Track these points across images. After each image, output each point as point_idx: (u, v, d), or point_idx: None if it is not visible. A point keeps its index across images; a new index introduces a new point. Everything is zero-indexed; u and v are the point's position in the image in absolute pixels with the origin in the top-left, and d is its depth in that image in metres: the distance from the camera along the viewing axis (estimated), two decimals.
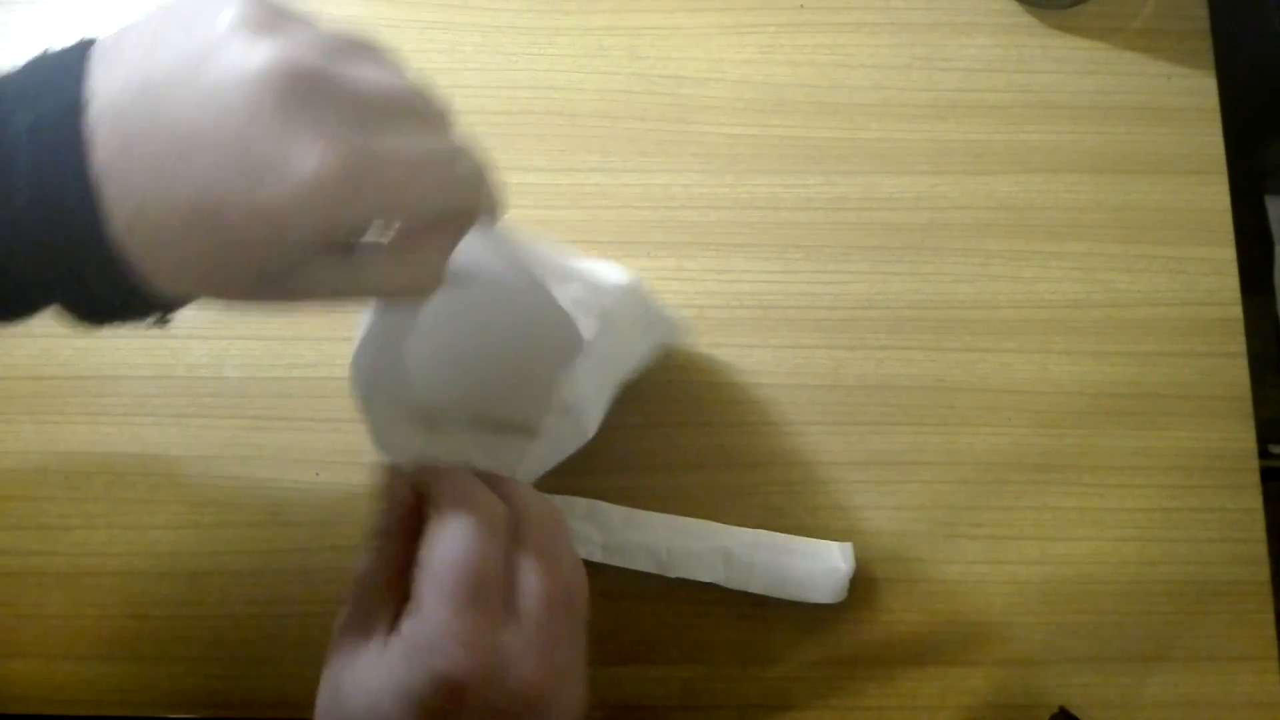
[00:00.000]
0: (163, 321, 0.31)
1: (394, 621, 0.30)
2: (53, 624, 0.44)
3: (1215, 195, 0.49)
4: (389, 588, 0.32)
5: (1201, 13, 0.52)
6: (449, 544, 0.30)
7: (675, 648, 0.45)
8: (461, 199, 0.30)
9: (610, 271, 0.38)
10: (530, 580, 0.31)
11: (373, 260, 0.29)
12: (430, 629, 0.29)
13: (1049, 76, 0.51)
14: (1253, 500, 0.46)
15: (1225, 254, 0.49)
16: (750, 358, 0.48)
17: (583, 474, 0.44)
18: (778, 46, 0.51)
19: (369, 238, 0.29)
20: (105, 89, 0.26)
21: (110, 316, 0.30)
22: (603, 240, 0.48)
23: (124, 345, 0.47)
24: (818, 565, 0.44)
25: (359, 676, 0.30)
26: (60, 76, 0.27)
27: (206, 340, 0.47)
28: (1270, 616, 0.45)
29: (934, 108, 0.51)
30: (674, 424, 0.47)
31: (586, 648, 0.32)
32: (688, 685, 0.44)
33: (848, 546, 0.44)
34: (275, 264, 0.27)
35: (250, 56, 0.25)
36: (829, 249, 0.49)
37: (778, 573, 0.44)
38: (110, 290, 0.28)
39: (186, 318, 0.46)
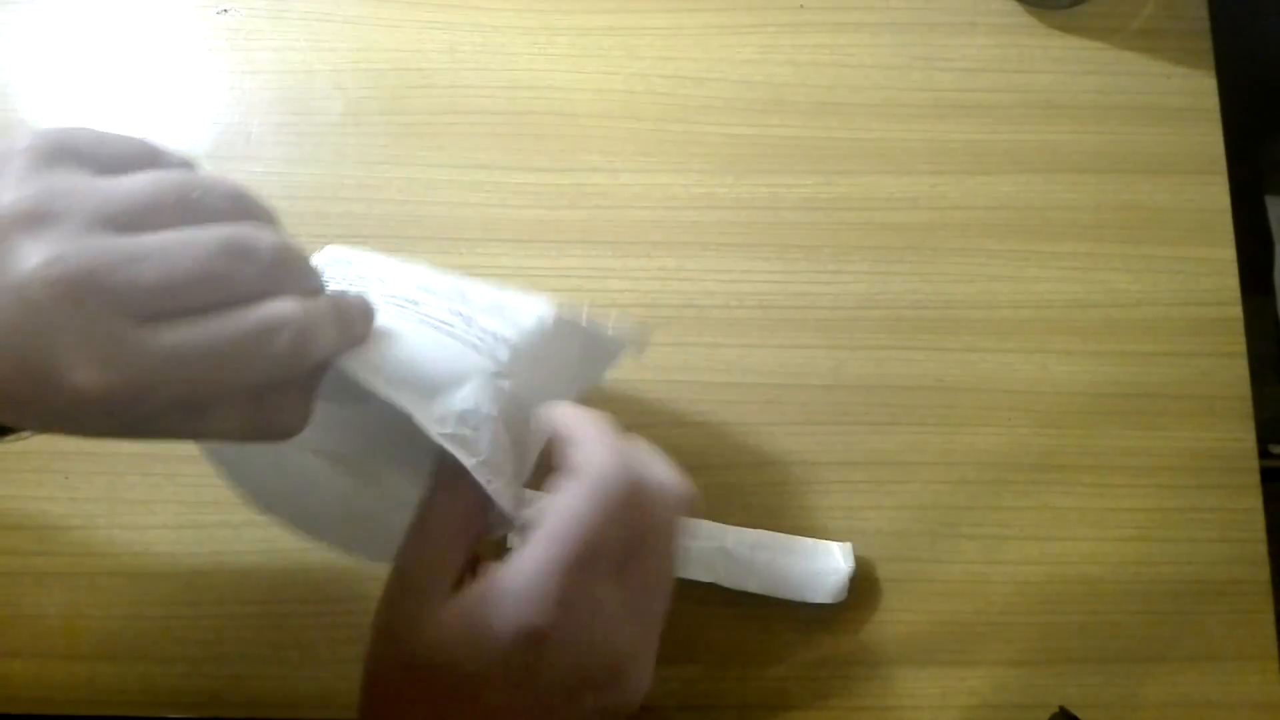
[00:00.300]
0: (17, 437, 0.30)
1: (467, 565, 0.30)
2: (53, 624, 0.44)
3: (1215, 195, 0.49)
4: (464, 530, 0.31)
5: (1201, 13, 0.52)
6: (576, 503, 0.29)
7: (675, 648, 0.45)
8: (288, 366, 0.27)
9: (525, 309, 0.36)
10: (645, 556, 0.30)
11: (225, 414, 0.27)
12: (532, 581, 0.28)
13: (1049, 76, 0.51)
14: (1253, 500, 0.46)
15: (1225, 254, 0.49)
16: (750, 358, 0.47)
17: None
18: (778, 46, 0.51)
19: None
20: None
21: None
22: (603, 240, 0.48)
23: None
24: (818, 565, 0.44)
25: (429, 617, 0.29)
26: None
27: None
28: (1270, 616, 0.45)
29: (934, 108, 0.51)
30: (674, 424, 0.47)
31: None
32: (688, 685, 0.44)
33: (848, 546, 0.44)
34: (104, 433, 0.26)
35: (18, 261, 0.23)
36: (829, 249, 0.49)
37: (778, 572, 0.44)
38: None
39: None
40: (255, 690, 0.44)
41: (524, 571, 0.28)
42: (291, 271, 0.28)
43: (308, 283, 0.29)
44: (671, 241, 0.49)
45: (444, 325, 0.33)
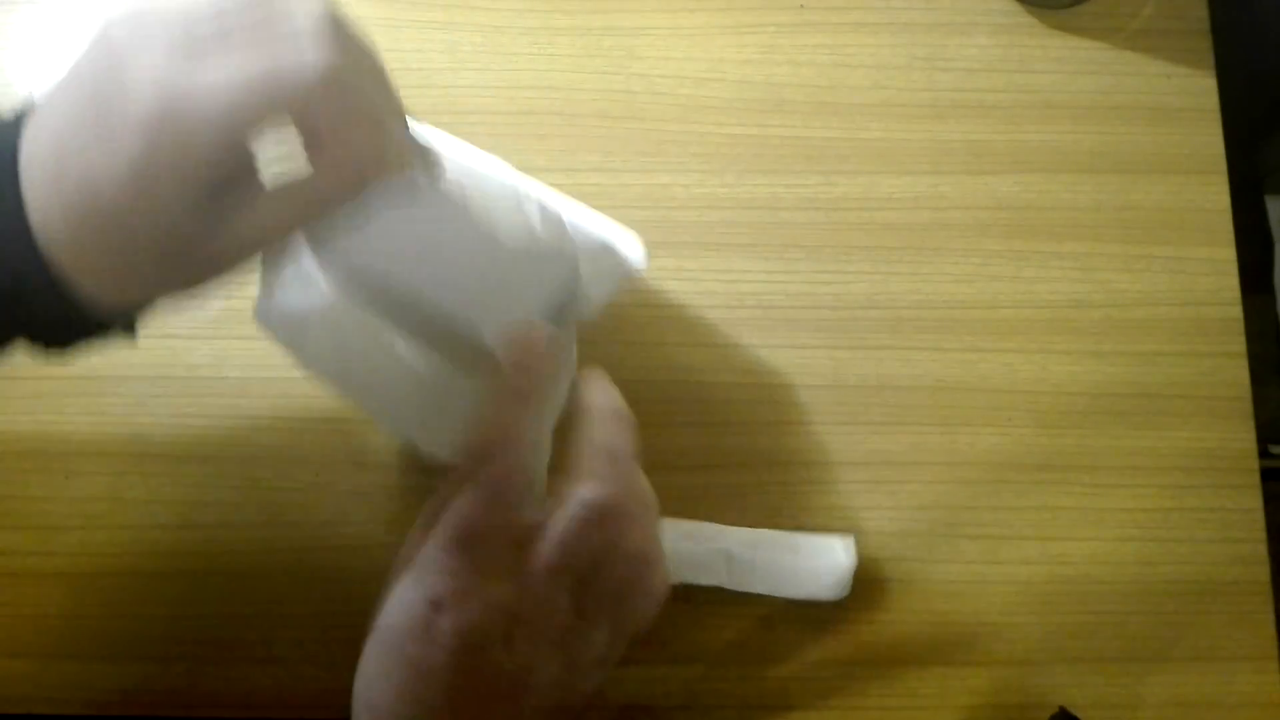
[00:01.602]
0: (127, 333, 0.33)
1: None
2: (53, 624, 0.44)
3: (1215, 195, 0.49)
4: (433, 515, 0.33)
5: (1201, 13, 0.52)
6: (457, 507, 0.31)
7: (675, 648, 0.45)
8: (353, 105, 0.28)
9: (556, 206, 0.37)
10: (614, 564, 0.32)
11: (280, 190, 0.29)
12: (426, 551, 0.31)
13: (1049, 76, 0.51)
14: (1253, 500, 0.46)
15: (1225, 254, 0.49)
16: (750, 358, 0.48)
17: None
18: (778, 46, 0.51)
19: (269, 166, 0.29)
20: (33, 138, 0.29)
21: (68, 337, 0.32)
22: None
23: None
24: (820, 561, 0.44)
25: (393, 592, 0.32)
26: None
27: (207, 340, 0.47)
28: (1270, 616, 0.45)
29: (934, 108, 0.51)
30: (674, 424, 0.47)
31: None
32: (688, 685, 0.44)
33: (849, 540, 0.44)
34: (174, 230, 0.28)
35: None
36: (829, 249, 0.49)
37: (780, 571, 0.44)
38: (54, 309, 0.30)
39: (188, 318, 0.46)
40: (255, 690, 0.44)
41: (422, 540, 0.32)
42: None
43: None
44: (671, 241, 0.49)
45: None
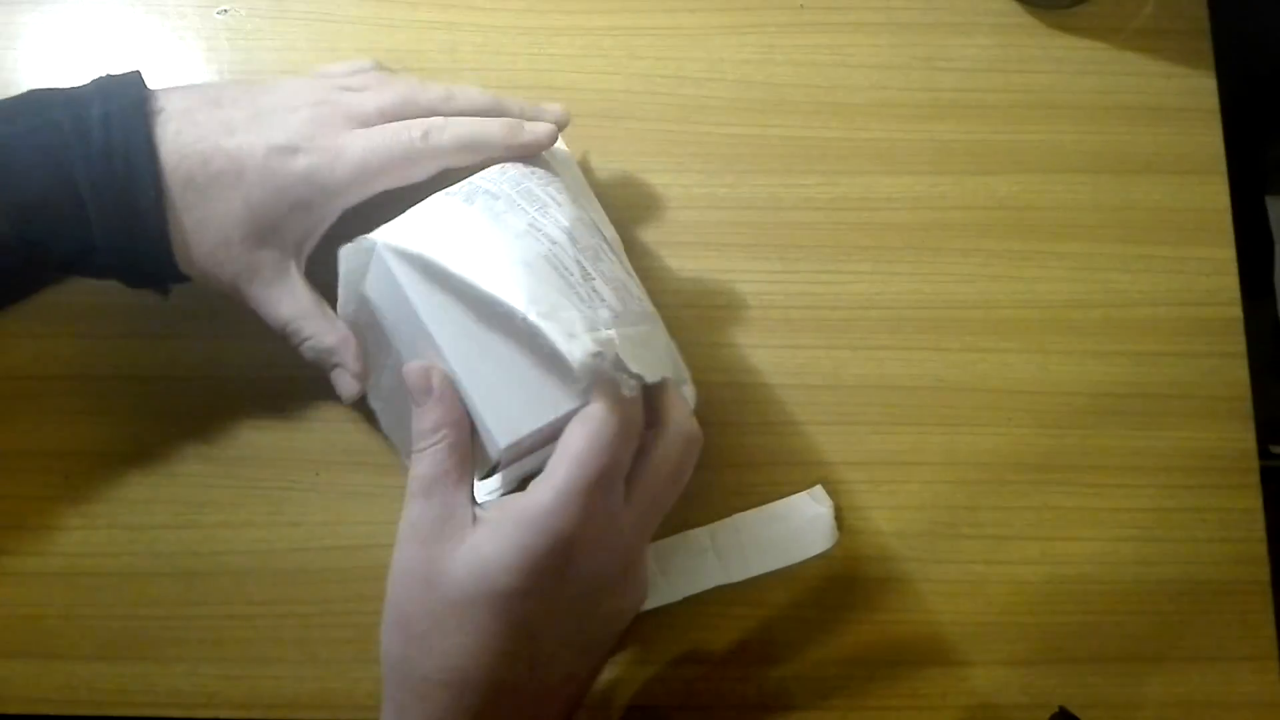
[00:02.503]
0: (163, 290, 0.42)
1: (472, 506, 0.35)
2: (53, 624, 0.44)
3: (1215, 195, 0.49)
4: (459, 475, 0.35)
5: (1201, 13, 0.52)
6: (592, 435, 0.33)
7: (675, 648, 0.45)
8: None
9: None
10: (648, 473, 0.35)
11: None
12: (559, 497, 0.33)
13: (1049, 76, 0.51)
14: (1253, 500, 0.46)
15: (1225, 254, 0.49)
16: (750, 358, 0.48)
17: None
18: (778, 46, 0.51)
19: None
20: (168, 99, 0.40)
21: (142, 281, 0.41)
22: None
23: (124, 345, 0.47)
24: (799, 520, 0.44)
25: (463, 554, 0.33)
26: (125, 86, 0.39)
27: (207, 340, 0.47)
28: (1270, 616, 0.45)
29: (934, 108, 0.51)
30: None
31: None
32: (688, 685, 0.44)
33: (817, 489, 0.45)
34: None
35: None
36: (829, 249, 0.49)
37: (769, 544, 0.44)
38: (150, 260, 0.39)
39: (185, 318, 0.46)
40: (255, 690, 0.44)
41: (553, 489, 0.33)
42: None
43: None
44: (672, 241, 0.49)
45: (567, 272, 0.37)
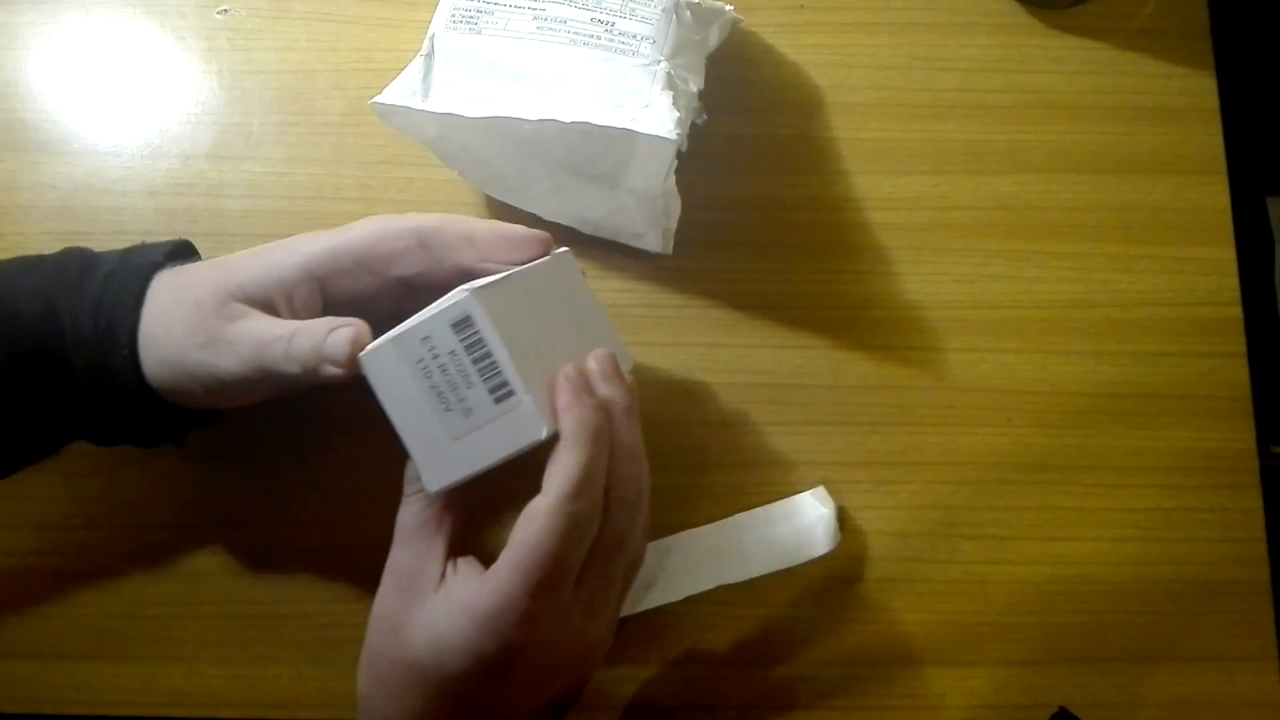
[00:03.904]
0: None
1: (445, 561, 0.35)
2: (53, 624, 0.44)
3: (1215, 195, 0.49)
4: (436, 527, 0.36)
5: (1201, 13, 0.52)
6: (540, 534, 0.33)
7: (675, 648, 0.45)
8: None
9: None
10: (592, 554, 0.35)
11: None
12: (505, 601, 0.33)
13: (1049, 76, 0.51)
14: (1253, 500, 0.46)
15: (1225, 254, 0.49)
16: (750, 358, 0.48)
17: None
18: (778, 46, 0.51)
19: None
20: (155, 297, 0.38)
21: (129, 437, 0.41)
22: (603, 240, 0.48)
23: None
24: (802, 521, 0.44)
25: (423, 619, 0.34)
26: (144, 256, 0.39)
27: None
28: (1270, 616, 0.45)
29: (934, 108, 0.51)
30: (674, 424, 0.47)
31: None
32: (688, 685, 0.44)
33: (820, 490, 0.45)
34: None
35: None
36: (829, 249, 0.49)
37: (772, 545, 0.44)
38: (136, 408, 0.39)
39: None
40: (255, 690, 0.44)
41: (499, 593, 0.33)
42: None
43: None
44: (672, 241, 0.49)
45: (591, 39, 0.41)
